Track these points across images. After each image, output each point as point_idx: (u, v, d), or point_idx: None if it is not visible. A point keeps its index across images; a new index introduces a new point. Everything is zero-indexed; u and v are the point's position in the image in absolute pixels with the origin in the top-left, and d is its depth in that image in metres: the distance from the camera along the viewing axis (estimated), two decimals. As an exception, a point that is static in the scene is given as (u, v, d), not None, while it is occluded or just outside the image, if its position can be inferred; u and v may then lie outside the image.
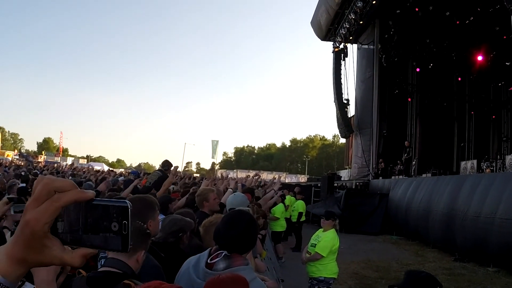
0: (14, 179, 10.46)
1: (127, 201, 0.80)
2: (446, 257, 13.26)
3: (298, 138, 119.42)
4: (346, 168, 38.15)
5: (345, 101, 29.83)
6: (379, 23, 25.55)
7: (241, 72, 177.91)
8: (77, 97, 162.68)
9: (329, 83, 30.95)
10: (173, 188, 8.59)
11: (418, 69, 26.55)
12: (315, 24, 31.17)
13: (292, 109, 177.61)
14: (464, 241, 12.70)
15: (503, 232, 10.87)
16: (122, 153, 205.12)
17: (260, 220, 5.85)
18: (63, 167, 24.40)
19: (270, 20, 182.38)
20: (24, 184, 9.12)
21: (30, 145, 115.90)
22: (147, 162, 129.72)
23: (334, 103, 30.30)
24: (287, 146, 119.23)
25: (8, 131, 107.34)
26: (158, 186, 7.00)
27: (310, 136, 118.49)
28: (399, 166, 22.63)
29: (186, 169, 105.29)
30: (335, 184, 23.72)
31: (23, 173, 13.49)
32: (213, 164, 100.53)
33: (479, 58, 24.30)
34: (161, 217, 3.78)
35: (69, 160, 64.51)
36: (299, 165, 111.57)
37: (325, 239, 6.90)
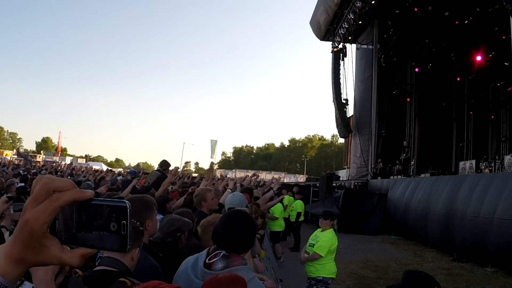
0: (13, 178, 10.46)
1: (126, 201, 0.80)
2: (445, 257, 13.27)
3: (297, 138, 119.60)
4: (345, 168, 38.18)
5: (344, 101, 29.82)
6: (378, 23, 25.54)
7: (240, 72, 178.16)
8: (76, 96, 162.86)
9: (328, 83, 31.07)
10: (171, 187, 8.59)
11: (417, 69, 26.57)
12: (314, 24, 31.16)
13: (291, 109, 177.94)
14: (462, 241, 12.70)
15: (501, 232, 10.87)
16: (120, 153, 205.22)
17: (258, 220, 5.86)
18: (62, 167, 24.37)
19: (269, 20, 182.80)
20: (23, 184, 9.13)
21: (29, 145, 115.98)
22: (146, 162, 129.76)
23: (333, 103, 30.29)
24: (286, 146, 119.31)
25: (7, 131, 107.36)
26: (157, 186, 7.00)
27: (309, 136, 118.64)
28: (397, 166, 22.64)
29: (185, 169, 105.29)
30: (334, 184, 23.70)
31: (21, 172, 13.49)
32: (212, 164, 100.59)
33: (478, 58, 24.33)
34: (159, 217, 3.78)
35: (68, 160, 64.46)
36: (297, 165, 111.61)
37: (324, 239, 6.90)
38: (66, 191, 0.77)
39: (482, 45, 23.68)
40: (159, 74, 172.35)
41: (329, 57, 31.15)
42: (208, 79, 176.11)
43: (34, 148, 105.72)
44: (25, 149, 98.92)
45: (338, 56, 29.87)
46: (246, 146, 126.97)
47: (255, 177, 11.56)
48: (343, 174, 37.27)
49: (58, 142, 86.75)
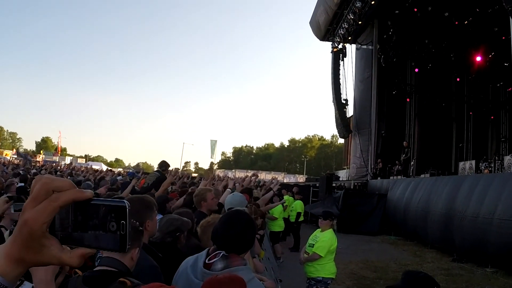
0: (13, 178, 10.46)
1: (125, 201, 0.80)
2: (445, 258, 13.27)
3: (297, 138, 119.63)
4: (345, 168, 38.17)
5: (344, 101, 29.81)
6: (377, 23, 25.55)
7: (239, 72, 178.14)
8: (76, 96, 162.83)
9: (327, 83, 31.08)
10: (171, 187, 8.60)
11: (416, 70, 26.59)
12: (314, 24, 31.17)
13: (291, 109, 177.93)
14: (462, 241, 12.70)
15: (501, 232, 10.88)
16: (120, 153, 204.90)
17: (258, 220, 5.85)
18: (62, 167, 24.38)
19: (268, 21, 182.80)
20: (22, 184, 9.13)
21: (29, 144, 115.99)
22: (146, 162, 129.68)
23: (332, 103, 30.28)
24: (286, 146, 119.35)
25: (7, 130, 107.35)
26: (157, 187, 7.01)
27: (309, 136, 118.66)
28: (397, 166, 22.64)
29: (185, 169, 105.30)
30: (334, 184, 23.71)
31: (21, 172, 13.49)
32: (212, 164, 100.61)
33: (478, 58, 24.36)
34: (158, 217, 3.78)
35: (68, 160, 64.49)
36: (297, 165, 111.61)
37: (323, 239, 6.90)
38: (66, 191, 0.77)
39: (482, 45, 23.70)
40: (159, 74, 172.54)
41: (329, 57, 31.20)
42: (208, 79, 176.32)
43: (34, 148, 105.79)
44: (24, 149, 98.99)
45: (338, 56, 29.87)
46: (246, 146, 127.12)
47: (254, 177, 11.56)
48: (343, 174, 37.28)
49: (58, 142, 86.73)
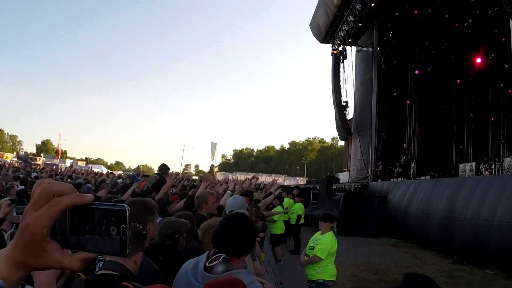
0: (13, 181, 10.47)
1: (125, 205, 0.80)
2: (445, 260, 13.25)
3: (297, 141, 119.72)
4: (345, 171, 38.20)
5: (344, 104, 29.85)
6: (378, 25, 25.57)
7: (240, 74, 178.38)
8: (76, 99, 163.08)
9: (328, 85, 31.14)
10: (172, 190, 8.59)
11: (417, 72, 26.62)
12: (314, 26, 31.21)
13: (291, 112, 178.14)
14: (463, 243, 12.69)
15: (502, 234, 10.87)
16: (121, 156, 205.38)
17: (258, 222, 5.85)
18: (62, 170, 24.39)
19: (269, 23, 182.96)
20: (23, 186, 9.13)
21: (29, 147, 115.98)
22: (146, 165, 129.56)
23: (333, 106, 30.32)
24: (286, 148, 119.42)
25: (7, 133, 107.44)
26: (156, 189, 7.01)
27: (309, 138, 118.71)
28: (398, 168, 22.62)
29: (185, 171, 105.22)
30: (334, 187, 23.66)
31: (21, 176, 13.49)
32: (212, 166, 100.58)
33: (478, 60, 24.39)
34: (159, 219, 3.77)
35: (68, 163, 64.43)
36: (298, 167, 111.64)
37: (324, 242, 6.89)
38: (66, 195, 0.77)
39: (482, 47, 23.74)
40: (159, 76, 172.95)
41: (329, 60, 31.26)
42: (209, 82, 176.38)
43: (34, 151, 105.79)
44: (25, 152, 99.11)
45: (338, 58, 29.91)
46: (246, 148, 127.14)
47: (255, 179, 11.55)
48: (343, 176, 37.25)
49: (58, 145, 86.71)
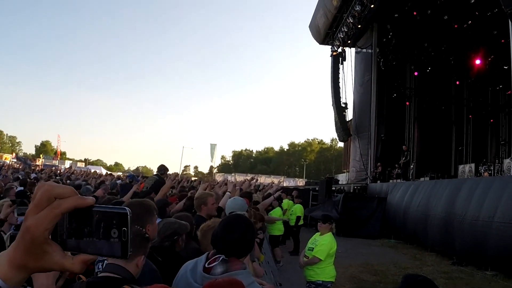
0: (12, 182, 10.47)
1: (126, 208, 0.80)
2: (444, 261, 13.25)
3: (296, 142, 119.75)
4: (344, 172, 38.22)
5: (343, 105, 29.81)
6: (377, 27, 25.57)
7: (239, 75, 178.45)
8: (75, 100, 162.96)
9: (327, 87, 30.98)
10: (171, 191, 8.60)
11: (416, 73, 26.65)
12: (314, 27, 31.22)
13: (290, 113, 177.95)
14: (462, 244, 12.69)
15: (501, 235, 10.87)
16: (120, 157, 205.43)
17: (257, 223, 5.86)
18: (61, 171, 24.39)
19: (268, 24, 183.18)
20: (22, 188, 9.13)
21: (28, 148, 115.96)
22: (145, 166, 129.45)
23: (332, 107, 30.30)
24: (285, 149, 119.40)
25: (6, 134, 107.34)
26: (155, 190, 7.02)
27: (308, 140, 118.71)
28: (397, 169, 22.63)
29: (184, 172, 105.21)
30: (333, 188, 23.66)
31: (21, 177, 13.50)
32: (211, 167, 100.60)
33: (477, 61, 24.44)
34: (158, 220, 3.78)
35: (67, 164, 64.41)
36: (297, 168, 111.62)
37: (323, 243, 6.90)
38: (67, 198, 0.78)
39: (481, 48, 23.77)
40: (158, 76, 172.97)
41: (328, 61, 31.21)
42: (208, 83, 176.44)
43: (33, 152, 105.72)
44: (24, 153, 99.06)
45: (337, 60, 29.89)
46: (246, 150, 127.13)
47: (254, 180, 11.56)
48: (342, 178, 37.27)
49: (57, 146, 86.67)
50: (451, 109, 27.82)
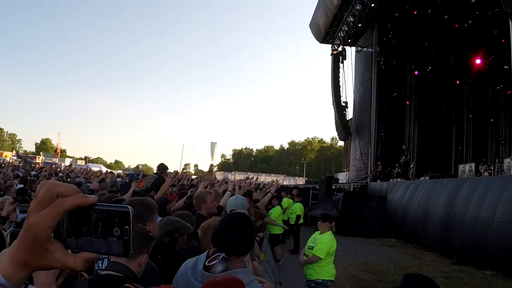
0: (12, 180, 10.46)
1: (128, 206, 0.80)
2: (444, 260, 13.26)
3: (297, 141, 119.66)
4: (344, 171, 38.19)
5: (344, 104, 29.80)
6: (377, 26, 25.57)
7: (239, 74, 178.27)
8: (76, 98, 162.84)
9: (327, 85, 30.99)
10: (171, 189, 8.61)
11: (416, 72, 26.64)
12: (314, 26, 31.20)
13: (291, 112, 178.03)
14: (462, 244, 12.70)
15: (501, 235, 10.88)
16: (120, 155, 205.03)
17: (258, 222, 5.86)
18: (61, 168, 24.36)
19: (268, 23, 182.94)
20: (22, 185, 9.13)
21: (28, 146, 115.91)
22: (145, 164, 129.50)
23: (332, 106, 30.28)
24: (285, 148, 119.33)
25: (7, 132, 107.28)
26: (155, 188, 7.02)
27: (309, 138, 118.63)
28: (397, 169, 22.64)
29: (184, 171, 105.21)
30: (333, 187, 23.66)
31: (20, 174, 13.49)
32: (211, 166, 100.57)
33: (478, 61, 24.42)
34: (159, 219, 3.77)
35: (67, 161, 64.35)
36: (297, 167, 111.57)
37: (323, 241, 6.90)
38: (70, 196, 0.78)
39: (481, 48, 23.76)
40: (158, 75, 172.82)
41: (328, 60, 31.20)
42: (208, 81, 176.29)
43: (33, 150, 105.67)
44: (24, 151, 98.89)
45: (337, 58, 29.87)
46: (246, 148, 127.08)
47: (248, 180, 11.58)
48: (342, 176, 37.25)
49: (58, 144, 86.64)
50: (451, 109, 27.82)
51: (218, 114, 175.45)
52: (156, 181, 7.80)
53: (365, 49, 27.31)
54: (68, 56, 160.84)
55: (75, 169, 24.86)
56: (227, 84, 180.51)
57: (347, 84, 29.82)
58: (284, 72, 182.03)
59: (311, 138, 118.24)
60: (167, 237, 3.56)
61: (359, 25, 25.23)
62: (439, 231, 14.22)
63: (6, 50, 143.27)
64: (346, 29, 26.48)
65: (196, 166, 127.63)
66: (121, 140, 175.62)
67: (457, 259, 12.82)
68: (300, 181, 63.66)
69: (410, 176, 22.04)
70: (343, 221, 18.60)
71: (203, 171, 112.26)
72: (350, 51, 29.80)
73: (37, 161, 55.82)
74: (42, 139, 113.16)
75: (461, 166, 19.60)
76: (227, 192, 6.39)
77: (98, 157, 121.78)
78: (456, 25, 22.62)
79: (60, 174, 16.97)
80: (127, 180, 14.28)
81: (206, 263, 2.46)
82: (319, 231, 7.16)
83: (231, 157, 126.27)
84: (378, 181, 23.48)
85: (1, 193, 7.02)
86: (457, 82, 27.45)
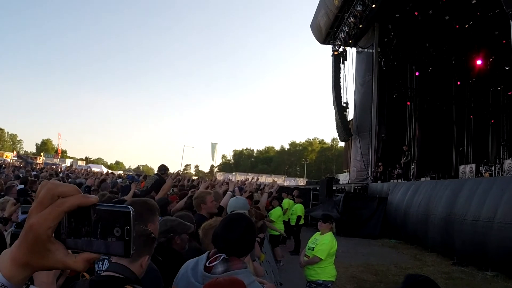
0: (13, 180, 10.48)
1: (129, 206, 0.80)
2: (445, 261, 13.26)
3: (297, 142, 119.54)
4: (345, 172, 38.15)
5: (344, 105, 29.79)
6: (378, 26, 25.57)
7: (240, 74, 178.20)
8: (76, 98, 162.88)
9: (328, 86, 31.02)
10: (172, 190, 8.61)
11: (417, 73, 26.62)
12: (315, 27, 31.21)
13: (291, 112, 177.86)
14: (462, 245, 12.70)
15: (501, 236, 10.87)
16: (121, 155, 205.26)
17: (258, 222, 5.86)
18: (62, 169, 24.39)
19: (269, 23, 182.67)
20: (23, 186, 9.14)
21: (29, 147, 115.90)
22: (146, 165, 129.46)
23: (333, 107, 30.28)
24: (286, 149, 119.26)
25: (7, 132, 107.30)
26: (155, 189, 7.03)
27: (309, 139, 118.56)
28: (398, 170, 22.63)
29: (185, 171, 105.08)
30: (334, 188, 23.66)
31: (21, 175, 13.50)
32: (212, 167, 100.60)
33: (478, 62, 24.38)
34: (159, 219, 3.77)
35: (68, 162, 64.36)
36: (298, 168, 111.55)
37: (323, 242, 6.90)
38: (71, 196, 0.78)
39: (482, 49, 23.73)
40: (159, 76, 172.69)
41: (329, 61, 31.21)
42: (209, 82, 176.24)
43: (34, 150, 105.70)
44: (25, 151, 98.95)
45: (338, 59, 29.87)
46: (246, 149, 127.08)
47: (249, 181, 11.59)
48: (343, 177, 37.21)
49: (58, 144, 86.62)
50: (452, 110, 27.79)
51: (219, 115, 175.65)
52: (156, 182, 7.81)
53: (366, 50, 27.31)
54: (69, 56, 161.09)
55: (76, 170, 24.87)
56: (228, 84, 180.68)
57: (347, 85, 29.86)
58: (284, 72, 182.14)
59: (312, 139, 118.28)
60: (162, 237, 3.56)
61: (360, 26, 25.23)
62: (439, 232, 14.22)
63: (6, 50, 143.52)
64: (347, 30, 26.49)
65: (196, 166, 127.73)
66: (121, 140, 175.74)
67: (457, 260, 12.83)
68: (301, 182, 63.69)
69: (411, 177, 22.01)
70: (344, 222, 18.60)
71: (204, 172, 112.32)
72: (351, 52, 29.83)
73: (38, 161, 55.79)
74: (43, 139, 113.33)
75: (461, 167, 19.61)
76: (228, 192, 6.39)
77: (98, 158, 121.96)
78: (457, 26, 22.59)
79: (61, 175, 16.98)
80: (128, 183, 14.29)
81: (207, 264, 2.46)
82: (319, 232, 7.16)
83: (231, 158, 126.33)
84: (379, 182, 23.48)
85: (2, 194, 7.02)
86: (458, 83, 27.41)
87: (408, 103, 26.89)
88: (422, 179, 20.16)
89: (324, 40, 31.28)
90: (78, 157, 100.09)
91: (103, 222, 0.79)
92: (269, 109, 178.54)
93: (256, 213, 6.24)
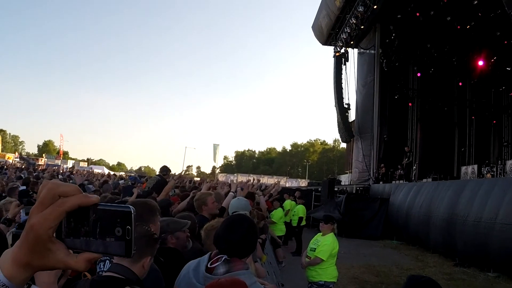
0: (15, 181, 10.49)
1: (130, 206, 0.80)
2: (447, 262, 13.24)
3: (299, 143, 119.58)
4: (347, 173, 38.17)
5: (346, 106, 29.78)
6: (380, 27, 25.57)
7: (242, 75, 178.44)
8: (78, 99, 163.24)
9: (330, 87, 30.92)
10: (174, 191, 8.62)
11: (419, 74, 26.59)
12: (316, 28, 31.22)
13: (293, 114, 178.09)
14: (464, 246, 12.67)
15: (503, 237, 10.85)
16: (122, 157, 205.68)
17: (259, 223, 5.86)
18: (64, 170, 24.42)
19: (271, 24, 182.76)
20: (24, 187, 9.15)
21: (31, 148, 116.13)
22: (148, 166, 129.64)
23: (335, 108, 30.28)
24: (288, 150, 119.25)
25: (9, 134, 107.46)
26: (156, 190, 7.04)
27: (311, 140, 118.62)
28: (399, 171, 22.59)
29: (187, 173, 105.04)
30: (336, 189, 23.63)
31: (23, 176, 13.53)
32: (214, 168, 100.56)
33: (480, 63, 24.33)
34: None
35: (70, 163, 64.44)
36: (299, 169, 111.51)
37: (325, 243, 6.89)
38: (72, 196, 0.78)
39: (484, 49, 23.68)
40: (160, 76, 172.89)
41: (331, 62, 31.19)
42: (210, 83, 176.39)
43: (36, 151, 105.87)
44: (27, 152, 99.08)
45: (340, 60, 29.87)
46: (248, 150, 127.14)
47: (250, 182, 11.58)
48: (345, 178, 37.22)
49: (60, 146, 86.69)
50: (453, 110, 27.76)
51: (221, 116, 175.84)
52: (158, 183, 7.83)
53: (367, 51, 27.31)
54: (69, 56, 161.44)
55: (78, 171, 24.91)
56: (230, 85, 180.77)
57: (349, 86, 29.88)
58: (286, 73, 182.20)
59: (314, 140, 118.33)
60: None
61: (362, 27, 25.25)
62: (441, 233, 14.20)
63: (6, 50, 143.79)
64: (349, 31, 26.50)
65: (198, 168, 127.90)
66: (123, 142, 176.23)
67: (459, 261, 12.80)
68: (303, 183, 63.66)
69: (413, 178, 21.97)
70: (346, 223, 18.56)
71: (206, 173, 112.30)
72: (353, 53, 29.86)
73: (40, 163, 55.88)
74: (45, 141, 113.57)
75: (463, 168, 19.57)
76: (230, 193, 6.39)
77: (100, 159, 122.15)
78: (459, 27, 22.57)
79: (61, 176, 17.00)
80: (130, 183, 14.30)
81: (208, 265, 2.46)
82: (321, 233, 7.15)
83: (233, 159, 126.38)
84: (381, 183, 23.45)
85: (4, 195, 7.03)
86: (460, 83, 27.37)
87: (410, 104, 26.88)
88: (424, 180, 20.12)
89: (325, 41, 31.30)
90: (80, 158, 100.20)
91: (102, 222, 0.79)
92: (270, 110, 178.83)
93: (257, 214, 6.25)
